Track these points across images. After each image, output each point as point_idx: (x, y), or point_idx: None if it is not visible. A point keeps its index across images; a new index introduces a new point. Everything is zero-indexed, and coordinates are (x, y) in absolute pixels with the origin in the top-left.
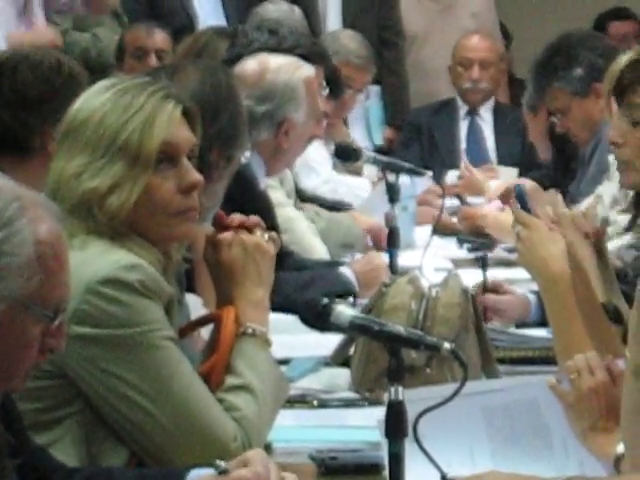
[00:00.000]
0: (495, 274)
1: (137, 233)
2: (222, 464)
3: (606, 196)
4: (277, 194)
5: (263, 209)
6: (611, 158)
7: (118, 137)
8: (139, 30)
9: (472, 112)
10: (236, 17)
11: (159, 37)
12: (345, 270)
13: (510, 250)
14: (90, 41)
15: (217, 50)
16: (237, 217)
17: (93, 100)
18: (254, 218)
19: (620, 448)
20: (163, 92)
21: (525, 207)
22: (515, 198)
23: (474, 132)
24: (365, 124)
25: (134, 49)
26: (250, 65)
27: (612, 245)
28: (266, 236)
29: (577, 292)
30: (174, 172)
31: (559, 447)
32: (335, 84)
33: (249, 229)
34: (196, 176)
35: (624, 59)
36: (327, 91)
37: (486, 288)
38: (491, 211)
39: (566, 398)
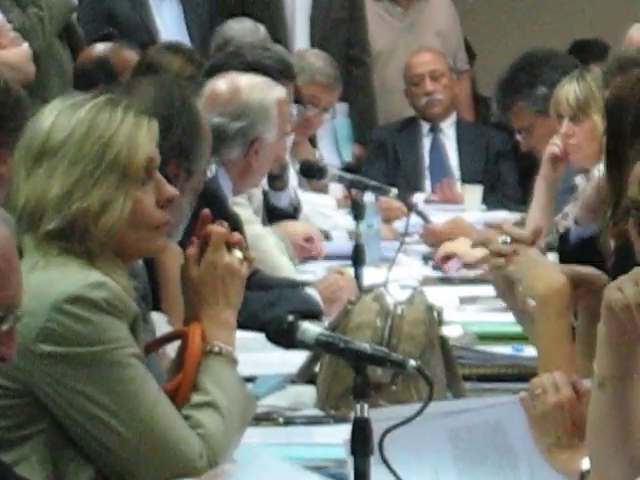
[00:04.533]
0: (461, 292)
1: (114, 248)
2: None
3: (572, 215)
4: (245, 212)
5: (232, 227)
6: (578, 179)
7: (106, 154)
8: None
9: (434, 129)
10: (199, 35)
11: (127, 54)
12: (310, 290)
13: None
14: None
15: (168, 65)
16: (220, 230)
17: (66, 119)
18: (236, 236)
19: (585, 464)
20: (134, 108)
21: None
22: None
23: (437, 149)
24: (333, 141)
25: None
26: (221, 84)
27: None
28: (240, 255)
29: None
30: (152, 186)
31: (525, 469)
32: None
33: (230, 245)
34: (172, 190)
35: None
36: (295, 110)
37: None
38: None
39: (532, 413)
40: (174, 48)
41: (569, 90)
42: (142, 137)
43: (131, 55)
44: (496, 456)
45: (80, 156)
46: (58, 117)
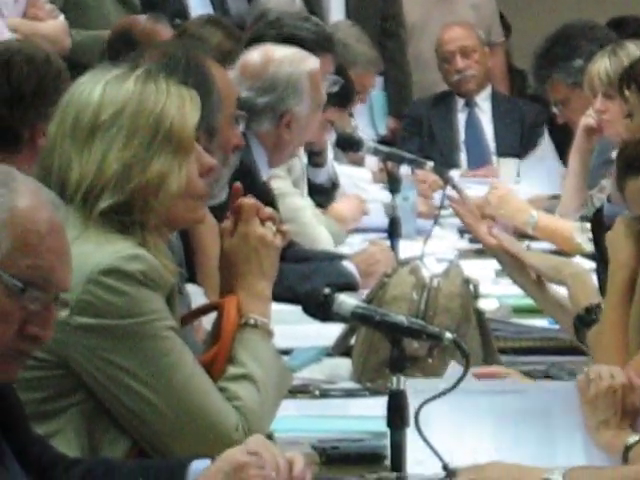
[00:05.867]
0: (497, 265)
1: (164, 220)
2: None
3: (608, 187)
4: (283, 183)
5: (264, 201)
6: (614, 152)
7: (160, 125)
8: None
9: (470, 103)
10: (234, 7)
11: (161, 29)
12: (347, 263)
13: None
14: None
15: (208, 39)
16: (251, 201)
17: (115, 92)
18: (268, 211)
19: (631, 439)
20: (173, 78)
21: None
22: None
23: (472, 123)
24: (369, 115)
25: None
26: (254, 56)
27: None
28: (274, 229)
29: None
30: (194, 156)
31: (562, 461)
32: (346, 97)
33: (262, 219)
34: (212, 160)
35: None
36: (337, 86)
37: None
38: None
39: (586, 394)
40: (215, 22)
41: (600, 66)
42: (188, 108)
43: (157, 27)
44: (535, 444)
45: (135, 130)
46: (106, 90)
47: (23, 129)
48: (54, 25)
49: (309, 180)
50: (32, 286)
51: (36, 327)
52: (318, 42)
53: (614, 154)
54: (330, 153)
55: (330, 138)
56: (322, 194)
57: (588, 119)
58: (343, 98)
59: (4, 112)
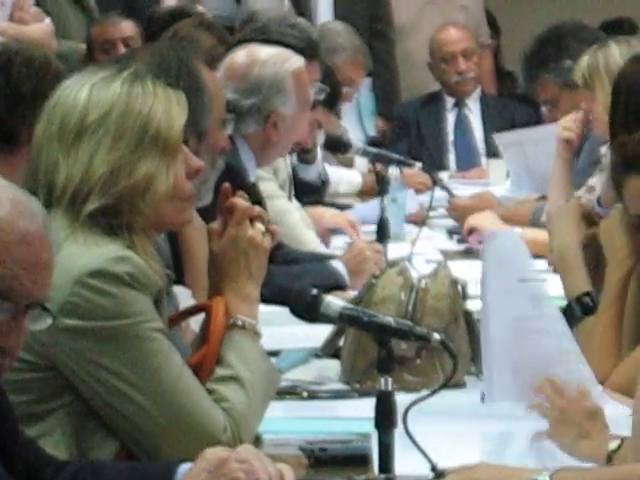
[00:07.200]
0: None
1: (151, 222)
2: None
3: (598, 187)
4: (269, 185)
5: (253, 202)
6: (603, 149)
7: (148, 127)
8: (104, 23)
9: (459, 104)
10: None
11: (124, 26)
12: (335, 262)
13: None
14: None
15: (201, 42)
16: (244, 204)
17: (102, 93)
18: (257, 209)
19: (612, 445)
20: (159, 80)
21: None
22: None
23: (462, 124)
24: (357, 116)
25: (101, 43)
26: (238, 58)
27: None
28: (263, 228)
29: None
30: (181, 158)
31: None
32: (333, 98)
33: (251, 219)
34: (199, 161)
35: None
36: (323, 95)
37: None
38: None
39: (549, 415)
40: (208, 25)
41: (583, 61)
42: (175, 110)
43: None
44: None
45: (122, 132)
46: (93, 92)
47: (21, 130)
48: (40, 28)
49: (299, 177)
50: (7, 302)
51: (3, 338)
52: (304, 49)
53: (603, 150)
54: (318, 154)
55: (319, 137)
56: (312, 191)
57: (566, 133)
58: (330, 99)
59: (2, 113)
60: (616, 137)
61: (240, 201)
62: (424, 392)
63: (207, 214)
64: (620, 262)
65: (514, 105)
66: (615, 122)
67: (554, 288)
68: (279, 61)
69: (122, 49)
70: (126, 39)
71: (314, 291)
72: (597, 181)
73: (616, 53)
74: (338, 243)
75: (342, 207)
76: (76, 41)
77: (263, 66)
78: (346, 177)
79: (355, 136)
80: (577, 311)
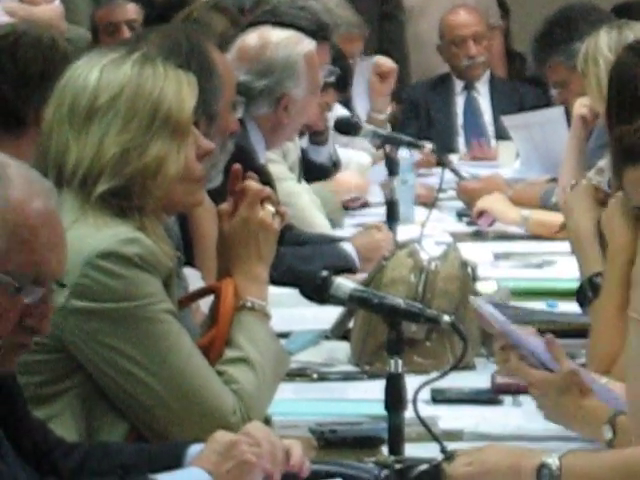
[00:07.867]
0: (495, 248)
1: (162, 203)
2: None
3: (607, 169)
4: (279, 168)
5: (263, 184)
6: None
7: (158, 109)
8: (108, 6)
9: (469, 87)
10: None
11: (128, 8)
12: (346, 245)
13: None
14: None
15: (214, 25)
16: (256, 186)
17: (112, 75)
18: (267, 191)
19: (609, 434)
20: (170, 61)
21: None
22: None
23: (471, 107)
24: (367, 99)
25: (105, 25)
26: (250, 40)
27: None
28: (273, 210)
29: None
30: (192, 139)
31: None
32: (344, 80)
33: (261, 200)
34: (209, 143)
35: None
36: (333, 76)
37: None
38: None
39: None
40: (221, 8)
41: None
42: (186, 91)
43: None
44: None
45: (133, 114)
46: (103, 74)
47: (28, 111)
48: (50, 9)
49: (310, 159)
50: (28, 282)
51: (34, 320)
52: (315, 31)
53: None
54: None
55: (330, 119)
56: (323, 173)
57: (582, 109)
58: (341, 82)
59: (10, 94)
60: (612, 128)
61: (252, 183)
62: (434, 374)
63: (217, 196)
64: (622, 249)
65: (523, 88)
66: (611, 112)
67: (572, 269)
68: (291, 44)
69: (126, 32)
70: (130, 21)
71: (324, 273)
72: (607, 163)
73: (604, 42)
74: (352, 221)
75: None
76: (84, 27)
77: (275, 48)
78: (356, 158)
79: (363, 108)
80: (588, 291)
